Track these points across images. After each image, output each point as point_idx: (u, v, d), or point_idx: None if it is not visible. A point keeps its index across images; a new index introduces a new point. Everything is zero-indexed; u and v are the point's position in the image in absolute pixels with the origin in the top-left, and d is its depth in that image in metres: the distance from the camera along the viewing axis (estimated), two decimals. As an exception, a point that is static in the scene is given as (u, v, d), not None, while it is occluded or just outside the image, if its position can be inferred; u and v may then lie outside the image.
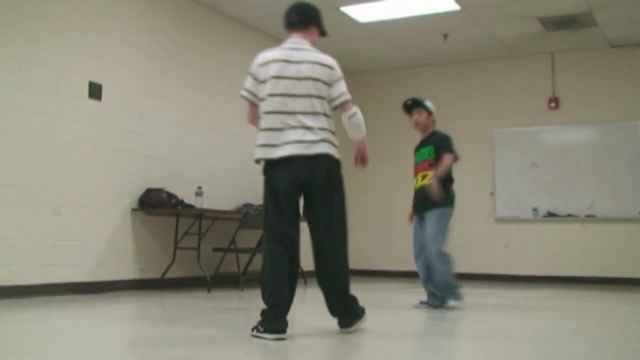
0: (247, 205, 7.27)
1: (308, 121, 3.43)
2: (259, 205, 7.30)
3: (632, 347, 3.47)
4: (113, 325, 4.05)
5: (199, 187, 6.63)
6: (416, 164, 5.26)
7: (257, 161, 3.54)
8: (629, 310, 5.56)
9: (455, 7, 7.36)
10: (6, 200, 5.27)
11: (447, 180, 5.07)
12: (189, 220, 6.60)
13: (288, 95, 3.43)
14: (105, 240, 6.07)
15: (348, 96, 3.56)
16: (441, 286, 4.98)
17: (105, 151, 6.13)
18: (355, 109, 3.60)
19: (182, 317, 4.45)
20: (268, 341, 3.25)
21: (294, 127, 3.41)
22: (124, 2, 6.43)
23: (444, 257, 4.95)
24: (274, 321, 3.32)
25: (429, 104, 5.22)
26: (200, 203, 6.54)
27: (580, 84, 8.86)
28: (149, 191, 6.42)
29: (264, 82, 3.48)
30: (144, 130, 6.54)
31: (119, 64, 6.31)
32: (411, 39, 8.56)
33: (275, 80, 3.45)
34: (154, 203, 6.35)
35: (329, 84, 3.52)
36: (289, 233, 3.45)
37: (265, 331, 3.29)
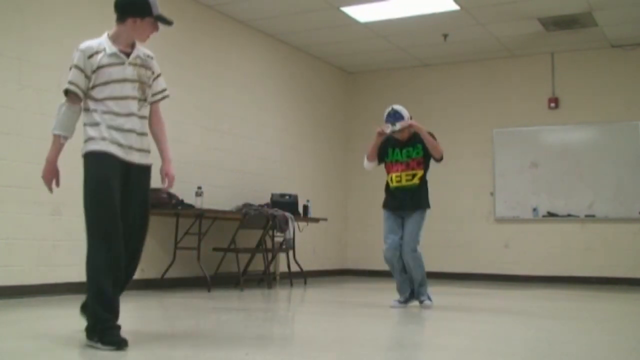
0: (247, 205, 7.26)
1: None
2: (259, 205, 7.29)
3: (631, 347, 3.47)
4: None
5: (199, 187, 6.63)
6: (398, 162, 5.16)
7: None
8: (628, 310, 5.56)
9: (455, 7, 7.35)
10: (6, 200, 5.27)
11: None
12: (189, 220, 6.60)
13: None
14: (105, 240, 6.06)
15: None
16: (421, 282, 5.09)
17: (105, 151, 6.12)
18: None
19: (182, 317, 4.45)
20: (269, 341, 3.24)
21: None
22: (124, 2, 6.42)
23: (421, 256, 5.05)
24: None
25: (406, 113, 5.17)
26: (200, 203, 6.54)
27: (580, 84, 8.86)
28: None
29: None
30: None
31: (119, 64, 6.30)
32: (411, 39, 8.56)
33: None
34: (154, 203, 6.30)
35: None
36: None
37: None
